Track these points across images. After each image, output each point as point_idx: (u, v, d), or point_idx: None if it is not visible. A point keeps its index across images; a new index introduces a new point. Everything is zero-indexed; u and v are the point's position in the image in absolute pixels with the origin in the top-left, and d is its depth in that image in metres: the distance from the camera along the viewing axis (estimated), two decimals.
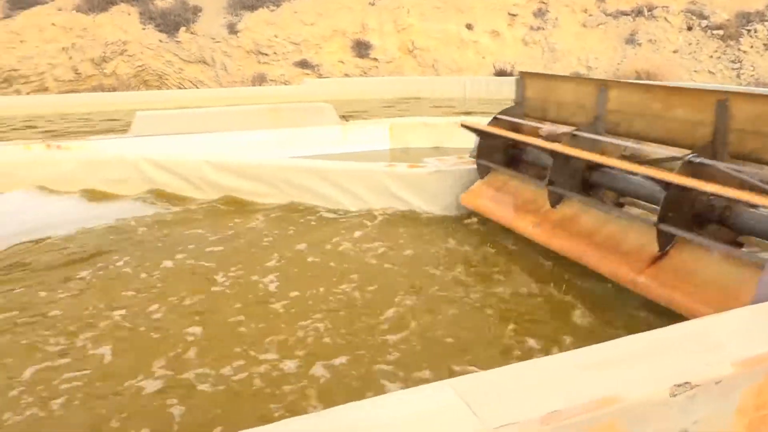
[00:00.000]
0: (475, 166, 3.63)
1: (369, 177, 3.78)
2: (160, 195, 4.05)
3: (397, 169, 3.78)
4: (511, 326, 2.26)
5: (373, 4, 13.65)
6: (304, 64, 12.83)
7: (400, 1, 13.65)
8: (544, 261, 2.87)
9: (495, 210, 3.33)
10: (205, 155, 4.16)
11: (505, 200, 3.33)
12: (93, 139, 5.00)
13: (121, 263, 2.93)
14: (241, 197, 3.97)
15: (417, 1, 13.66)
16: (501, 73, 12.75)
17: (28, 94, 10.84)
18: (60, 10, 12.13)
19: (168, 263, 2.90)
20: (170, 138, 4.84)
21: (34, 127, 7.29)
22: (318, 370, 1.97)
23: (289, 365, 2.00)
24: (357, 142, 5.48)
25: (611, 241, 2.62)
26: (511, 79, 11.19)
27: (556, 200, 2.99)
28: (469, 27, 13.55)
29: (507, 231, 3.27)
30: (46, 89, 11.11)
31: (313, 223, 3.55)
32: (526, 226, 3.06)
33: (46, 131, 6.79)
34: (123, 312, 2.40)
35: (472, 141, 3.77)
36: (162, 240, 3.26)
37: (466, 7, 13.61)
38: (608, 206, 2.80)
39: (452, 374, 1.88)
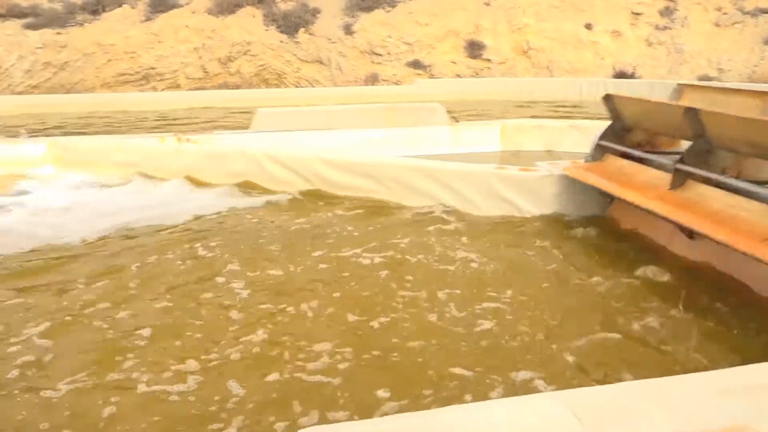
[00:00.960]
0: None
1: (478, 178, 3.74)
2: (273, 187, 4.26)
3: (508, 172, 3.72)
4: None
5: (488, 4, 13.49)
6: (416, 65, 12.93)
7: (516, 1, 13.39)
8: (667, 270, 2.69)
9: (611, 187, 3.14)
10: (319, 151, 4.32)
11: (622, 179, 3.14)
12: (217, 133, 5.35)
13: (273, 247, 3.12)
14: (348, 194, 4.07)
15: (534, 1, 13.33)
16: (620, 76, 12.15)
17: (162, 90, 11.77)
18: (193, 13, 13.06)
19: (317, 253, 3.03)
20: (287, 134, 5.07)
21: (168, 120, 7.94)
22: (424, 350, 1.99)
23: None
24: (467, 143, 5.44)
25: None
26: (633, 82, 10.63)
27: (680, 181, 2.78)
28: (588, 27, 13.03)
29: (623, 236, 3.12)
30: (178, 86, 12.01)
31: (422, 222, 3.57)
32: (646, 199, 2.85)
33: (179, 124, 7.36)
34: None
35: (586, 145, 3.63)
36: (278, 228, 3.42)
37: (586, 5, 13.09)
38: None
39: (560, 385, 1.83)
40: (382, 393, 1.83)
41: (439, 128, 5.53)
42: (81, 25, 12.84)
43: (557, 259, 2.95)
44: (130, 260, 2.95)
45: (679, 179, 2.80)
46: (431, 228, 3.43)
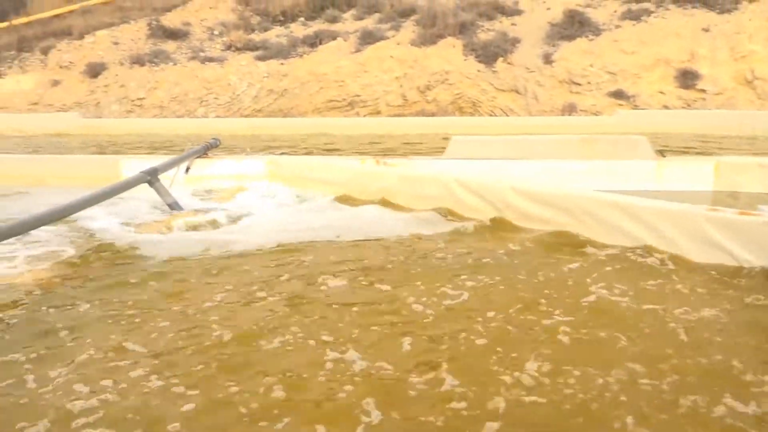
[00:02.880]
0: None
1: (687, 220, 3.42)
2: (464, 214, 4.31)
3: (723, 215, 3.35)
4: None
5: (707, 30, 12.34)
6: (618, 95, 12.25)
7: (741, 26, 12.06)
8: None
9: None
10: (512, 180, 4.29)
11: None
12: (413, 158, 5.58)
13: (457, 274, 3.15)
14: (539, 226, 3.97)
15: (763, 26, 11.89)
16: None
17: (365, 116, 12.62)
18: (398, 44, 13.85)
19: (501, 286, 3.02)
20: (480, 162, 5.11)
21: (368, 143, 8.48)
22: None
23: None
24: (674, 180, 5.00)
25: None
26: None
27: None
28: None
29: None
30: (378, 112, 12.78)
31: (622, 263, 3.34)
32: None
33: (378, 148, 7.83)
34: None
35: None
36: (466, 255, 3.45)
37: None
38: None
39: None
40: None
41: (643, 162, 5.16)
42: (300, 56, 14.32)
43: None
44: (316, 271, 3.18)
45: None
46: (635, 271, 3.19)
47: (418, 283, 2.99)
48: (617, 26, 13.24)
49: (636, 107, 11.89)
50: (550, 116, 11.66)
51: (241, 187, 5.30)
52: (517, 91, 12.82)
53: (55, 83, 14.62)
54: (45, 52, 15.51)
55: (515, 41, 13.55)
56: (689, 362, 2.18)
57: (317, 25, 15.99)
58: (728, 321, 2.53)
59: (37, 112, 13.55)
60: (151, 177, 4.67)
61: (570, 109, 12.17)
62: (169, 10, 17.45)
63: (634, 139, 5.57)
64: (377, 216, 4.45)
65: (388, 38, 14.20)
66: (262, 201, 4.98)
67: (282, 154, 6.86)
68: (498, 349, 2.29)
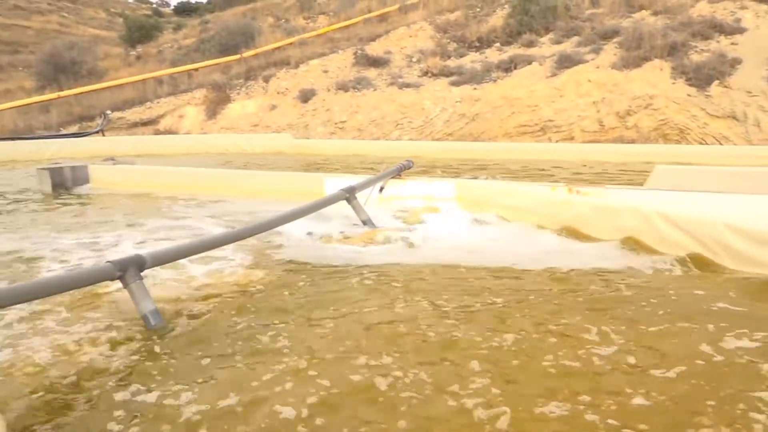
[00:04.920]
0: None
1: None
2: (660, 248, 3.98)
3: None
4: None
5: None
6: None
7: None
8: None
9: None
10: (726, 216, 3.86)
11: None
12: (609, 187, 5.29)
13: (654, 316, 2.98)
14: (758, 270, 3.51)
15: None
16: None
17: (557, 141, 12.26)
18: (597, 67, 13.27)
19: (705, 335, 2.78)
20: (687, 194, 4.67)
21: (559, 170, 8.22)
22: None
23: None
24: None
25: None
26: None
27: None
28: None
29: None
30: (572, 138, 12.33)
31: None
32: None
33: (570, 175, 7.56)
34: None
35: None
36: (671, 296, 3.18)
37: None
38: None
39: None
40: None
41: None
42: (494, 81, 14.41)
43: None
44: (511, 299, 3.15)
45: None
46: None
47: (610, 321, 2.82)
48: None
49: None
50: None
51: (430, 208, 5.47)
52: (734, 118, 11.50)
53: (273, 107, 16.48)
54: (266, 80, 17.58)
55: (735, 62, 12.21)
56: None
57: (513, 50, 15.98)
58: None
59: (256, 132, 15.38)
60: (349, 195, 5.03)
61: None
62: (373, 39, 18.74)
63: None
64: (565, 245, 4.30)
65: (586, 61, 13.69)
66: (449, 223, 5.09)
67: (472, 178, 6.94)
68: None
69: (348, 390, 2.17)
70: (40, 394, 2.18)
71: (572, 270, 3.65)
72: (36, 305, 2.97)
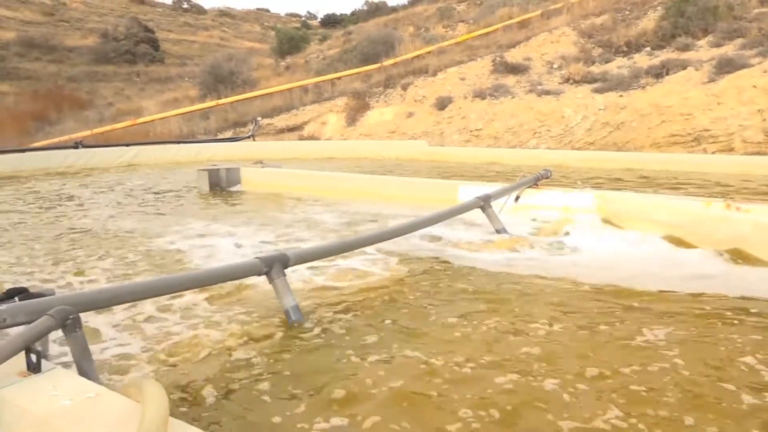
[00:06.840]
0: None
1: None
2: None
3: None
4: None
5: None
6: None
7: None
8: None
9: None
10: None
11: None
12: None
13: None
14: None
15: None
16: None
17: (713, 153, 11.25)
18: (765, 72, 12.00)
19: None
20: None
21: (715, 184, 7.54)
22: None
23: None
24: None
25: None
26: None
27: None
28: None
29: None
30: (731, 149, 11.24)
31: None
32: None
33: (728, 190, 6.90)
34: None
35: None
36: None
37: None
38: None
39: None
40: None
41: None
42: (642, 88, 13.55)
43: None
44: (645, 319, 2.95)
45: None
46: None
47: None
48: None
49: None
50: None
51: (567, 220, 5.27)
52: None
53: (410, 115, 16.79)
54: (405, 87, 17.96)
55: None
56: None
57: (665, 54, 14.94)
58: None
59: (392, 139, 15.75)
60: (484, 203, 5.00)
61: None
62: (513, 46, 18.46)
63: None
64: (717, 266, 3.94)
65: (752, 65, 12.43)
66: (587, 236, 4.87)
67: (614, 189, 6.58)
68: None
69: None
70: (204, 377, 2.39)
71: (744, 297, 3.30)
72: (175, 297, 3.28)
